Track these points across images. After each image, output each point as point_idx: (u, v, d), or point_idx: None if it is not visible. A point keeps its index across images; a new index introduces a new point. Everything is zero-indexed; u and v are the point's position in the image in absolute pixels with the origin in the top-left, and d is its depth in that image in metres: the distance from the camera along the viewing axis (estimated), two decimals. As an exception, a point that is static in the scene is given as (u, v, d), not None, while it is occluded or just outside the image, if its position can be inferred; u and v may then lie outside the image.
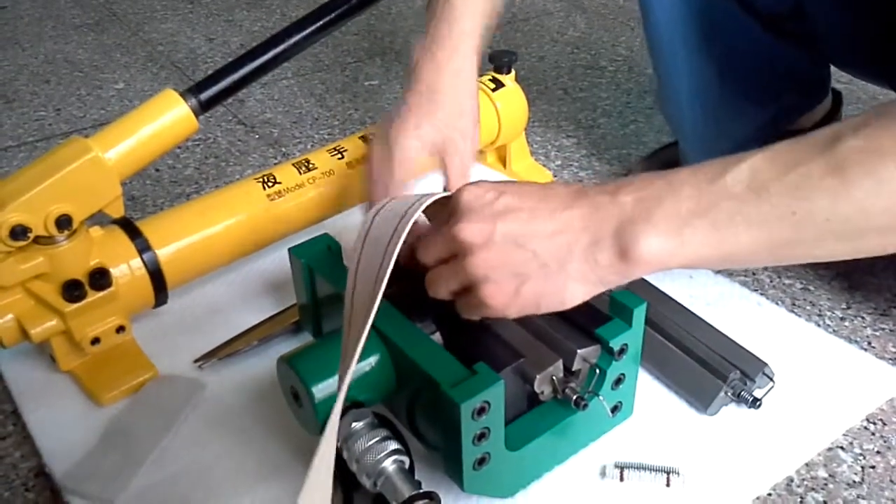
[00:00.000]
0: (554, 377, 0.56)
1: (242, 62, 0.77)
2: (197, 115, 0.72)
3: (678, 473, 0.60)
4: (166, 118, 0.70)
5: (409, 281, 0.57)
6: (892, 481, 0.61)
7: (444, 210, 0.53)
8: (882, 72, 0.85)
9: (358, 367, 0.55)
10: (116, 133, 0.69)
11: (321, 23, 0.80)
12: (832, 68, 0.94)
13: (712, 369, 0.65)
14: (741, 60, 0.87)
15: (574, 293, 0.50)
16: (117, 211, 0.69)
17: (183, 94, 0.71)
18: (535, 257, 0.49)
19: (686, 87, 0.88)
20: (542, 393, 0.57)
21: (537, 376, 0.55)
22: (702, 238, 0.47)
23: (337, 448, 0.53)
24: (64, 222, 0.63)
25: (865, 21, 0.78)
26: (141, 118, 0.70)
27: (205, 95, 0.73)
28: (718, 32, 0.84)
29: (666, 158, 0.99)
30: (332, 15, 0.81)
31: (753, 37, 0.85)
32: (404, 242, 0.51)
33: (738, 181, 0.46)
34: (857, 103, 1.21)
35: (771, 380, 0.66)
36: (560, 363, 0.56)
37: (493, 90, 0.95)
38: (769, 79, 0.89)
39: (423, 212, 0.53)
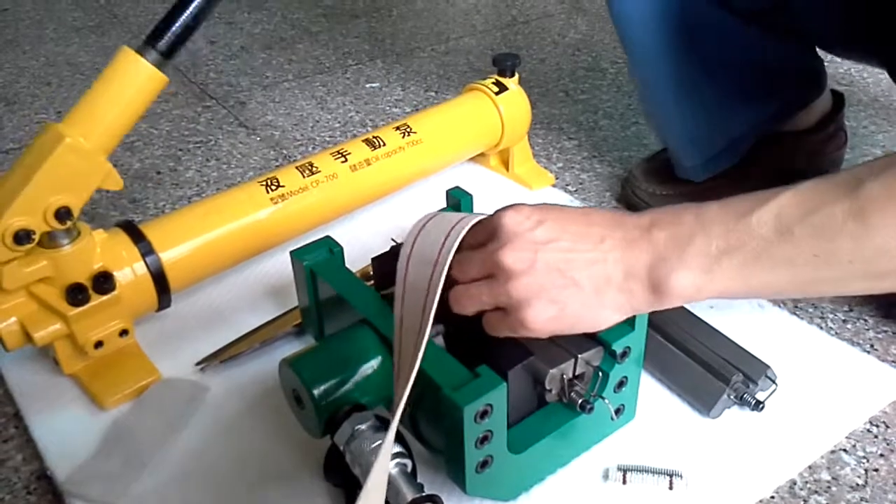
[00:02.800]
0: (564, 376, 0.56)
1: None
2: (162, 67, 0.67)
3: (681, 476, 0.60)
4: (130, 81, 0.66)
5: None
6: (895, 484, 0.61)
7: (479, 229, 0.55)
8: (871, 50, 0.85)
9: (360, 369, 0.55)
10: (85, 111, 0.65)
11: None
12: (830, 70, 0.93)
13: (715, 372, 0.65)
14: (727, 60, 0.87)
15: (608, 318, 0.53)
16: (115, 184, 0.67)
17: (140, 50, 0.67)
18: (575, 285, 0.51)
19: (672, 92, 0.88)
20: (550, 391, 0.57)
21: (550, 371, 0.55)
22: (730, 275, 0.50)
23: (339, 451, 0.53)
24: (64, 214, 0.63)
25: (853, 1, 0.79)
26: (104, 88, 0.66)
27: (163, 44, 0.67)
28: (699, 35, 0.84)
29: (666, 159, 0.99)
30: None
31: (737, 34, 0.85)
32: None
33: (764, 222, 0.48)
34: (857, 105, 1.21)
35: (774, 382, 0.66)
36: (571, 363, 0.56)
37: (497, 93, 0.95)
38: (759, 75, 0.88)
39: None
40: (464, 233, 0.53)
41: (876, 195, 0.46)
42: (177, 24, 0.68)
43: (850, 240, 0.46)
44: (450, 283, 0.55)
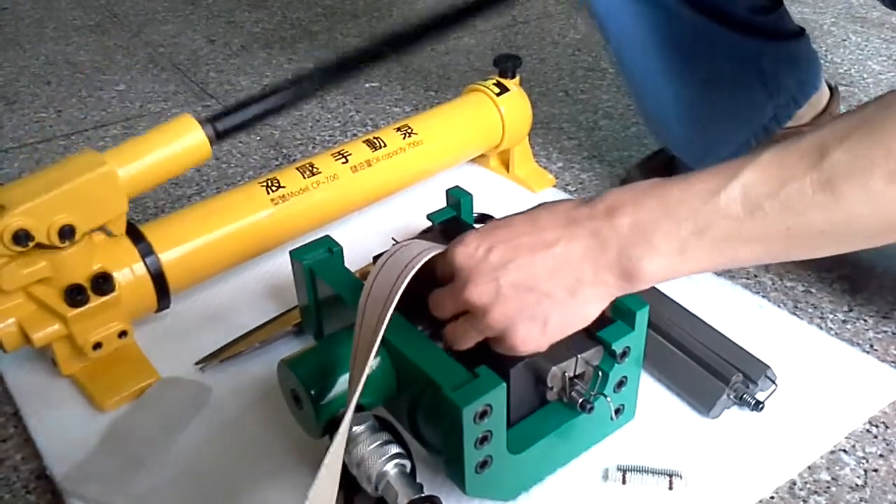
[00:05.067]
0: (565, 374, 0.56)
1: (262, 99, 0.78)
2: (212, 143, 0.73)
3: (681, 476, 0.60)
4: (182, 142, 0.71)
5: (410, 283, 0.57)
6: (895, 484, 0.61)
7: (443, 265, 0.55)
8: None
9: (360, 370, 0.55)
10: (131, 151, 0.69)
11: (339, 69, 0.84)
12: (829, 70, 0.93)
13: (715, 372, 0.65)
14: (721, 69, 0.87)
15: (591, 313, 0.53)
16: (119, 228, 0.69)
17: (201, 121, 0.72)
18: (548, 296, 0.51)
19: (672, 107, 0.88)
20: (551, 390, 0.57)
21: (552, 369, 0.55)
22: (701, 255, 0.49)
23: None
24: (67, 232, 0.63)
25: None
26: (157, 139, 0.71)
27: (221, 125, 0.74)
28: (690, 47, 0.84)
29: (665, 159, 0.99)
30: (350, 66, 0.85)
31: (727, 42, 0.85)
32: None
33: (732, 200, 0.48)
34: (857, 105, 1.21)
35: (773, 382, 0.66)
36: (573, 361, 0.56)
37: (498, 95, 0.95)
38: (755, 80, 0.88)
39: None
40: (410, 276, 0.53)
41: (843, 164, 0.45)
42: (242, 115, 0.76)
43: (822, 211, 0.46)
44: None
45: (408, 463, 0.51)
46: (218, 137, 0.74)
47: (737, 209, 0.47)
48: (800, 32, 0.91)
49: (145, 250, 0.71)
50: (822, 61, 0.94)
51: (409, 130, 0.89)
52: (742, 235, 0.48)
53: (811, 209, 0.46)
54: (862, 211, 0.45)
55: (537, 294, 0.51)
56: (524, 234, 0.52)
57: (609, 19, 0.86)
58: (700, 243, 0.48)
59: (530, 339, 0.52)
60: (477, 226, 0.58)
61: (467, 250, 0.52)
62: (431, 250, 0.55)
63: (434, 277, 0.56)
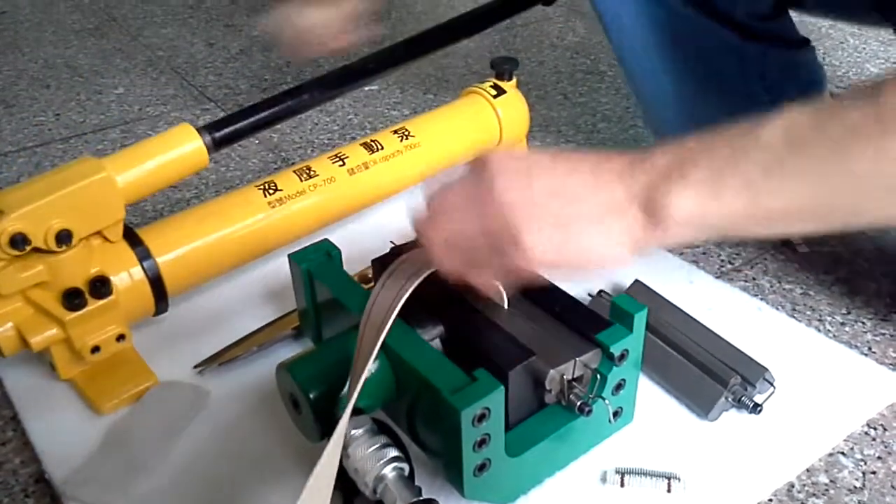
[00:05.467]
0: (564, 377, 0.56)
1: (260, 108, 0.80)
2: (210, 151, 0.74)
3: (679, 479, 0.60)
4: (180, 150, 0.72)
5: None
6: (893, 487, 0.61)
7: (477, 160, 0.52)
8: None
9: (358, 373, 0.55)
10: (129, 157, 0.70)
11: (338, 83, 0.87)
12: (829, 73, 0.93)
13: (713, 375, 0.65)
14: (722, 70, 0.87)
15: (611, 250, 0.49)
16: (115, 236, 0.69)
17: (199, 130, 0.73)
18: (572, 206, 0.48)
19: (672, 106, 0.88)
20: (549, 392, 0.57)
21: (550, 371, 0.55)
22: (735, 193, 0.45)
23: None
24: (64, 237, 0.63)
25: None
26: (155, 146, 0.72)
27: (219, 134, 0.75)
28: (691, 46, 0.84)
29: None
30: (350, 78, 0.89)
31: (728, 43, 0.85)
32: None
33: (774, 134, 0.45)
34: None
35: (771, 385, 0.66)
36: (571, 363, 0.56)
37: (495, 97, 0.95)
38: (756, 83, 0.88)
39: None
40: (416, 284, 0.53)
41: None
42: (240, 124, 0.78)
43: (869, 144, 0.42)
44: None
45: (406, 466, 0.51)
46: (216, 146, 0.74)
47: (777, 142, 0.44)
48: (804, 42, 0.91)
49: (143, 254, 0.71)
50: (823, 67, 0.95)
51: (406, 133, 0.89)
52: (781, 170, 0.44)
53: (857, 142, 0.42)
54: None
55: (563, 203, 0.48)
56: (565, 158, 0.50)
57: (610, 16, 0.85)
58: (734, 179, 0.45)
59: (548, 245, 0.48)
60: None
61: (505, 157, 0.50)
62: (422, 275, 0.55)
63: (436, 281, 0.55)
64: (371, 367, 0.51)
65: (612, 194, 0.48)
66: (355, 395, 0.49)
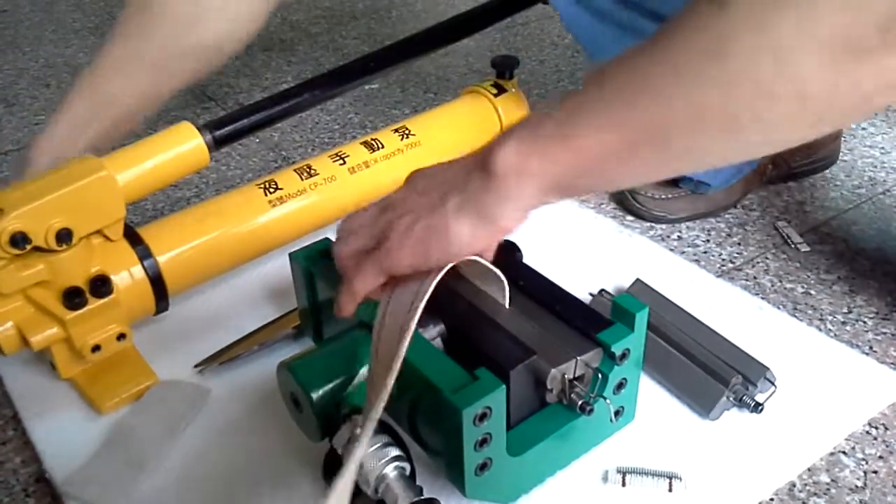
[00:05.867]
0: (565, 376, 0.56)
1: (261, 107, 0.80)
2: (210, 150, 0.74)
3: (680, 478, 0.60)
4: (181, 149, 0.73)
5: None
6: (894, 486, 0.61)
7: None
8: None
9: (358, 372, 0.55)
10: (130, 156, 0.70)
11: (338, 82, 0.87)
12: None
13: (714, 374, 0.65)
14: None
15: (459, 231, 0.49)
16: (116, 234, 0.69)
17: (199, 129, 0.73)
18: (421, 195, 0.52)
19: None
20: (551, 391, 0.56)
21: (552, 370, 0.55)
22: (549, 136, 0.45)
23: (338, 454, 0.53)
24: (64, 236, 0.63)
25: None
26: (156, 145, 0.72)
27: (220, 133, 0.75)
28: None
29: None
30: (350, 77, 0.89)
31: None
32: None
33: (590, 77, 0.45)
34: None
35: (773, 384, 0.66)
36: (573, 363, 0.56)
37: (496, 95, 0.95)
38: None
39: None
40: (427, 295, 0.52)
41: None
42: (240, 123, 0.78)
43: (666, 68, 0.40)
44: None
45: (407, 466, 0.51)
46: (216, 145, 0.74)
47: (590, 82, 0.44)
48: None
49: (143, 253, 0.71)
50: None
51: (407, 132, 0.89)
52: (586, 104, 0.44)
53: (654, 67, 0.41)
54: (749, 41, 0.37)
55: (410, 203, 0.52)
56: (451, 162, 0.55)
57: (587, 42, 0.86)
58: (549, 118, 0.45)
59: (393, 236, 0.51)
60: None
61: (418, 170, 0.55)
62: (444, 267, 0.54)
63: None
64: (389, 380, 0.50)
65: (454, 177, 0.51)
66: (378, 410, 0.47)
